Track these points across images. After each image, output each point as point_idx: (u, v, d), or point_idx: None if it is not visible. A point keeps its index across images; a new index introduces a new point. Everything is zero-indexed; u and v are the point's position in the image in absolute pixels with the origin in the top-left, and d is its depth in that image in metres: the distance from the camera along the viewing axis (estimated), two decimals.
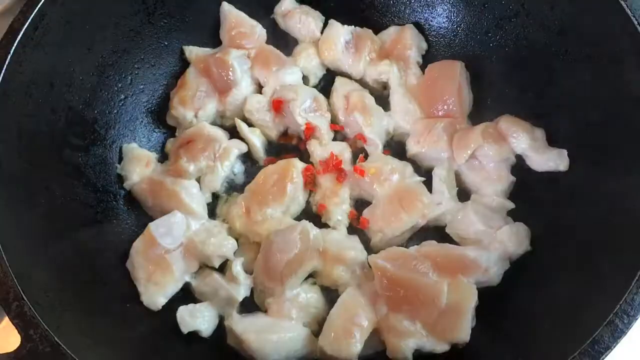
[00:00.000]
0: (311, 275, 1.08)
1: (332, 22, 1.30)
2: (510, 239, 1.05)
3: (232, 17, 1.29)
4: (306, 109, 1.21)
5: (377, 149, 1.20)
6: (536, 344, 0.90)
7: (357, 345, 0.97)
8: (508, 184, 1.14)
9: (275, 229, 1.08)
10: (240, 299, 1.05)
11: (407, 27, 1.29)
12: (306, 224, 1.05)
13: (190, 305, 1.05)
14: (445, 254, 1.03)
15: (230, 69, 1.23)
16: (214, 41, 1.31)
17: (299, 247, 1.03)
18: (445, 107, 1.20)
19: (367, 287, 1.03)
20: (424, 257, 1.03)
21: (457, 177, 1.17)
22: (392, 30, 1.31)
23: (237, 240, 1.12)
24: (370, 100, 1.23)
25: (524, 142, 1.11)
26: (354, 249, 1.08)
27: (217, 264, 1.09)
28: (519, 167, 1.15)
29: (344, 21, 1.31)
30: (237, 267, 1.06)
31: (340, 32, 1.28)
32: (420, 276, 1.00)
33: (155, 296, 1.04)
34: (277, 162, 1.17)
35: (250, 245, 1.13)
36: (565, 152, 1.07)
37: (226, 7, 1.30)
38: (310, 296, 1.05)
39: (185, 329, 1.02)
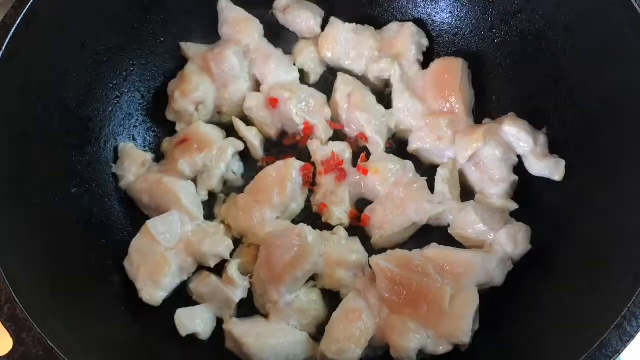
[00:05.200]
0: (312, 278, 1.07)
1: (332, 20, 1.28)
2: (509, 240, 1.04)
3: (230, 12, 1.27)
4: (303, 107, 1.20)
5: (379, 148, 1.18)
6: (542, 347, 0.89)
7: (358, 350, 0.96)
8: (510, 183, 1.13)
9: (274, 232, 1.07)
10: (237, 300, 1.04)
11: (407, 24, 1.26)
12: (304, 227, 1.03)
13: (188, 308, 1.03)
14: (447, 256, 1.03)
15: (229, 65, 1.21)
16: (211, 37, 1.29)
17: (296, 250, 1.01)
18: (448, 104, 1.19)
19: (369, 290, 1.02)
20: (426, 259, 1.02)
21: (461, 175, 1.16)
22: (393, 27, 1.28)
23: (236, 241, 1.10)
24: (371, 98, 1.22)
25: (527, 145, 1.11)
26: (356, 252, 1.07)
27: (212, 264, 1.08)
28: (523, 166, 1.14)
29: (345, 17, 1.29)
30: (232, 268, 1.06)
31: (341, 29, 1.26)
32: (423, 278, 0.99)
33: (155, 291, 1.04)
34: (276, 163, 1.16)
35: (247, 247, 1.12)
36: (563, 163, 1.07)
37: (224, 2, 1.28)
38: (310, 299, 1.04)
39: (183, 332, 1.01)
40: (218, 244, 1.07)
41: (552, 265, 1.02)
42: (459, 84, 1.19)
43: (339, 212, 1.14)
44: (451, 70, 1.21)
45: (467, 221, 1.08)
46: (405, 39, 1.25)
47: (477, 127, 1.16)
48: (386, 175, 1.13)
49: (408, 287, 0.98)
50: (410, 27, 1.26)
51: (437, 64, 1.23)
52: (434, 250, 1.04)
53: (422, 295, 0.98)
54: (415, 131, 1.19)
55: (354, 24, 1.28)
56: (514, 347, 0.94)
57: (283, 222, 1.11)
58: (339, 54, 1.26)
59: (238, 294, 1.04)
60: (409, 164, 1.15)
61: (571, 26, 1.06)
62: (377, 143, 1.18)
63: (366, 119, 1.18)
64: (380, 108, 1.22)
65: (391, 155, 1.18)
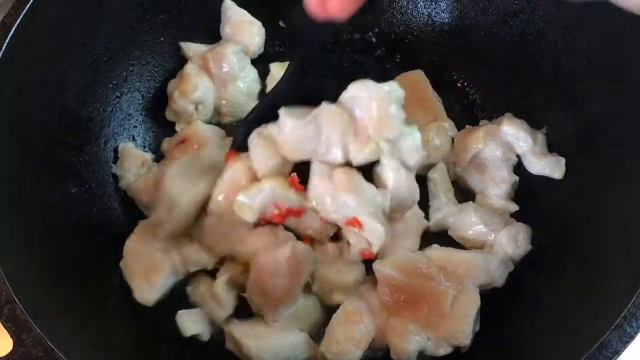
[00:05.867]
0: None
1: (281, 116, 0.96)
2: (510, 241, 1.04)
3: (233, 13, 1.27)
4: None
5: (378, 234, 0.96)
6: (542, 347, 0.89)
7: (359, 352, 0.96)
8: (511, 184, 1.13)
9: (260, 250, 0.99)
10: (223, 317, 1.03)
11: (371, 95, 0.93)
12: (295, 245, 0.96)
13: (190, 310, 1.03)
14: (449, 257, 1.02)
15: (228, 65, 1.21)
16: (211, 37, 1.29)
17: (288, 276, 0.96)
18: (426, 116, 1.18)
19: (369, 292, 1.02)
20: (429, 261, 1.02)
21: (461, 178, 1.16)
22: (360, 92, 0.94)
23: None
24: (358, 177, 0.96)
25: (526, 145, 1.11)
26: (352, 269, 1.02)
27: (192, 269, 1.05)
28: (522, 166, 1.14)
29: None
30: (219, 286, 1.01)
31: (295, 129, 0.95)
32: (426, 281, 0.99)
33: (148, 292, 1.03)
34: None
35: (234, 261, 1.05)
36: (563, 160, 1.07)
37: (228, 2, 1.28)
38: (307, 304, 1.03)
39: (186, 333, 1.01)
40: (199, 252, 1.05)
41: (552, 265, 1.01)
42: (429, 94, 1.19)
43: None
44: (416, 83, 1.20)
45: (467, 222, 1.08)
46: (381, 104, 0.93)
47: (475, 129, 1.16)
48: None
49: (410, 291, 0.98)
50: (378, 89, 0.93)
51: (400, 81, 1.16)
52: (436, 252, 1.04)
53: (424, 297, 0.97)
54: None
55: (310, 113, 0.95)
56: (514, 347, 0.94)
57: (265, 232, 1.00)
58: (307, 155, 0.98)
59: (222, 314, 1.02)
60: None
61: (571, 26, 1.06)
62: (374, 229, 0.96)
63: (357, 202, 0.94)
64: (371, 188, 0.97)
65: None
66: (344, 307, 1.00)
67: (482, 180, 1.14)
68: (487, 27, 1.22)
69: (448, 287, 0.98)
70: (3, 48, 0.94)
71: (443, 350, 0.96)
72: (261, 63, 1.29)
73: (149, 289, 1.03)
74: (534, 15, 1.13)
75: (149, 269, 1.04)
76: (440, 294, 0.97)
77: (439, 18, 1.29)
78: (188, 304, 1.06)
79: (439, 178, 1.13)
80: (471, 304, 0.97)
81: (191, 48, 1.26)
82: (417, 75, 1.22)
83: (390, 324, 0.98)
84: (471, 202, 1.12)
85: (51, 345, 0.78)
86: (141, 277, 1.04)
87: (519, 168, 1.14)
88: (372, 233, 0.97)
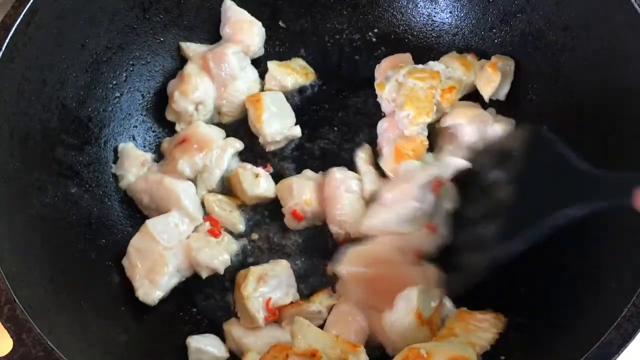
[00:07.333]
0: None
1: None
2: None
3: (234, 13, 1.28)
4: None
5: None
6: (542, 348, 0.89)
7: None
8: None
9: None
10: None
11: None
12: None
13: (201, 336, 1.02)
14: (398, 239, 1.02)
15: (228, 65, 1.21)
16: (211, 37, 1.30)
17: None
18: None
19: (348, 294, 1.02)
20: (382, 245, 1.02)
21: (436, 132, 1.16)
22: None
23: None
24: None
25: None
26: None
27: (204, 275, 1.07)
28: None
29: (334, 18, 1.27)
30: None
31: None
32: (390, 265, 1.00)
33: (151, 290, 1.04)
34: None
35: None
36: None
37: (228, 2, 1.28)
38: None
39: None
40: (215, 256, 1.06)
41: (552, 265, 1.01)
42: None
43: None
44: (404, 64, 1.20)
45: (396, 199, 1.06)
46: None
47: (475, 106, 1.17)
48: None
49: (380, 279, 0.99)
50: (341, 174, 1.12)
51: (386, 62, 1.23)
52: (385, 238, 1.04)
53: (394, 280, 0.97)
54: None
55: None
56: (514, 347, 0.94)
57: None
58: None
59: None
60: None
61: (571, 26, 1.06)
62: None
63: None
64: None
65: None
66: (336, 309, 1.01)
67: (446, 148, 1.14)
68: (487, 27, 1.22)
69: (409, 267, 0.99)
70: (3, 48, 0.94)
71: None
72: (261, 63, 1.29)
73: (152, 288, 1.04)
74: (534, 15, 1.13)
75: (153, 268, 1.04)
76: (406, 271, 0.98)
77: (439, 18, 1.29)
78: (190, 304, 1.07)
79: (365, 156, 1.15)
80: (432, 275, 0.97)
81: (191, 48, 1.27)
82: (405, 58, 1.23)
83: (372, 318, 0.98)
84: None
85: (51, 345, 0.78)
86: (144, 276, 1.04)
87: None
88: None
